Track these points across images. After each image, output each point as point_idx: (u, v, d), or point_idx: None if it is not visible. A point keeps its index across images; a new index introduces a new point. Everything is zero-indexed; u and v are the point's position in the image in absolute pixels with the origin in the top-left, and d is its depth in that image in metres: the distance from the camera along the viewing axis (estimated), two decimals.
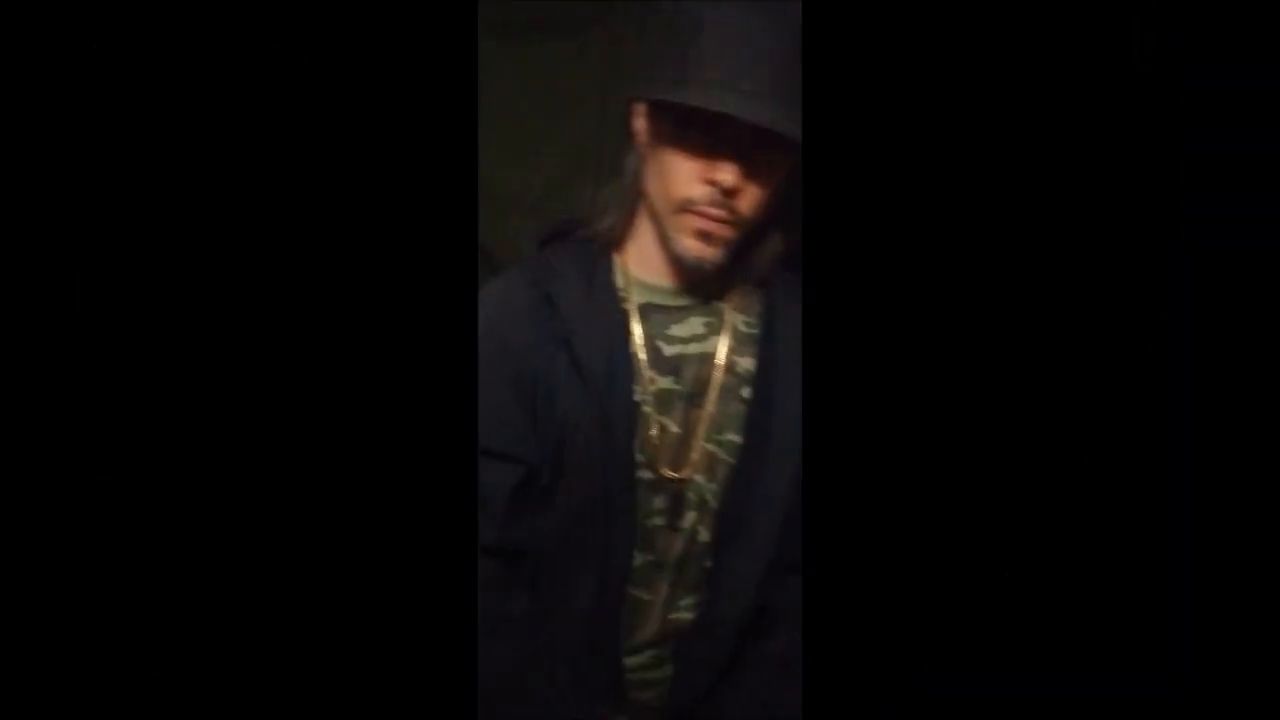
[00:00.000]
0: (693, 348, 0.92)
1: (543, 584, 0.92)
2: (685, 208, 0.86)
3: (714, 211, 0.85)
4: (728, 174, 0.83)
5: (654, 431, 0.89)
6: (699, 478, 0.90)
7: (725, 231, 0.86)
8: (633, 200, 0.92)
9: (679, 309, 0.93)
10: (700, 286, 0.93)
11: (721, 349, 0.92)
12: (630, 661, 0.93)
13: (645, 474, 0.90)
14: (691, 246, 0.87)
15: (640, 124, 0.89)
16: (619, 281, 0.93)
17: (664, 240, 0.90)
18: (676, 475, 0.89)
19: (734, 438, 0.91)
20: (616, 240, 0.94)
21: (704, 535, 0.91)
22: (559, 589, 0.91)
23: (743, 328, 0.94)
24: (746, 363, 0.93)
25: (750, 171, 0.84)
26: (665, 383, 0.91)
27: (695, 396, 0.91)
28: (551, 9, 1.34)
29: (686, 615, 0.92)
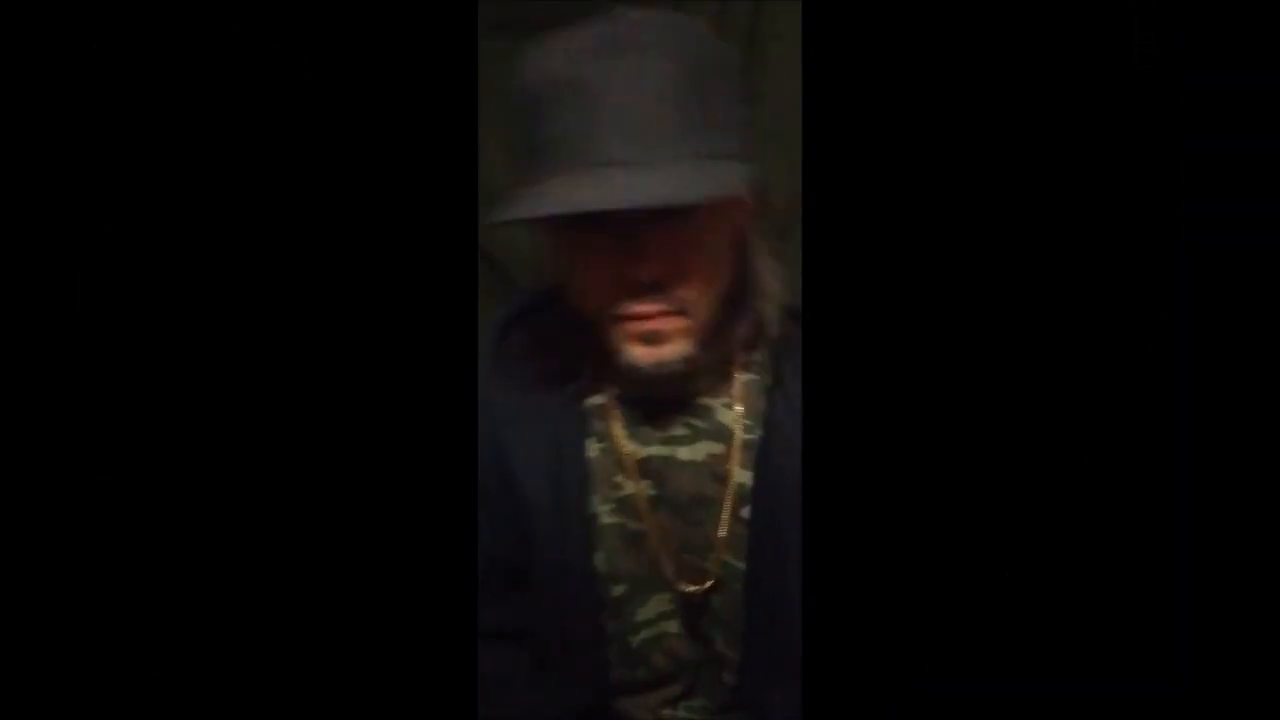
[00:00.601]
0: (680, 452, 0.78)
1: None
2: (615, 317, 0.72)
3: (647, 310, 0.71)
4: (642, 269, 0.69)
5: (617, 543, 0.77)
6: (711, 594, 0.78)
7: (674, 325, 0.71)
8: (573, 319, 0.76)
9: (659, 403, 0.78)
10: (683, 381, 0.77)
11: (707, 454, 0.78)
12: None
13: (621, 590, 0.78)
14: (642, 355, 0.72)
15: (541, 231, 0.75)
16: (591, 368, 0.79)
17: (612, 350, 0.74)
18: (690, 589, 0.77)
19: (733, 561, 0.78)
20: (586, 328, 0.77)
21: (728, 651, 0.80)
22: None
23: (740, 431, 0.78)
24: (743, 476, 0.78)
25: (671, 251, 0.70)
26: (641, 488, 0.77)
27: (681, 510, 0.78)
28: (551, 9, 1.34)
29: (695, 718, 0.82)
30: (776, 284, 0.78)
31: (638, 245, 0.69)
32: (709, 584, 0.78)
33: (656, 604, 0.80)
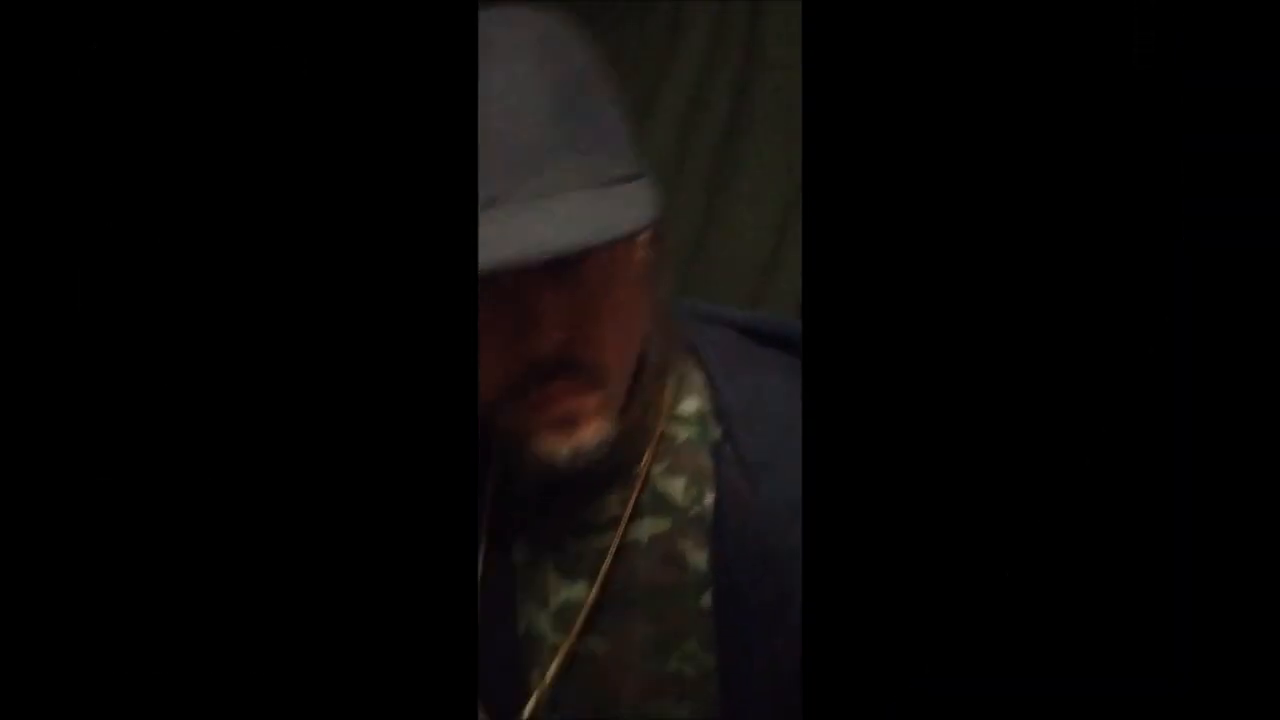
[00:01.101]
0: (609, 538, 0.65)
1: None
2: (520, 405, 0.61)
3: (557, 390, 0.61)
4: (543, 341, 0.58)
5: (550, 672, 0.63)
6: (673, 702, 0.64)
7: (590, 402, 0.61)
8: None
9: (586, 484, 0.65)
10: (609, 452, 0.64)
11: (649, 535, 0.65)
12: None
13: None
14: (555, 446, 0.61)
15: None
16: (503, 466, 0.67)
17: (521, 444, 0.63)
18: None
19: (698, 651, 0.64)
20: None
21: None
22: None
23: (681, 499, 0.66)
24: (697, 556, 0.65)
25: (574, 312, 0.59)
26: (574, 591, 0.64)
27: (631, 606, 0.65)
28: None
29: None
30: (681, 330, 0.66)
31: (529, 311, 0.59)
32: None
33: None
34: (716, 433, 0.67)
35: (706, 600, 0.64)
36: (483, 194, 0.56)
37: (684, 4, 1.30)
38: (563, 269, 0.57)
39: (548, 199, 0.55)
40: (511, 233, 0.55)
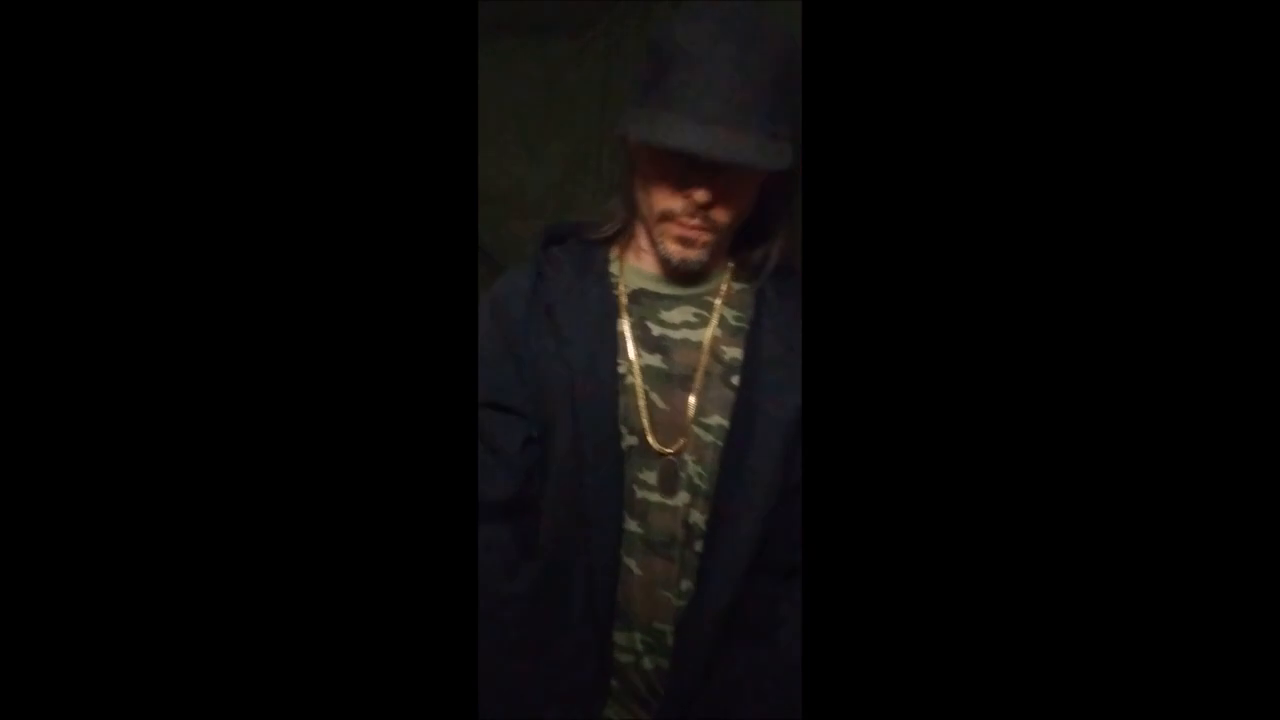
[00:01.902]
0: (681, 333, 0.99)
1: (540, 553, 0.96)
2: (666, 218, 0.95)
3: (691, 222, 0.94)
4: (700, 193, 0.91)
5: (641, 403, 0.95)
6: (689, 457, 0.95)
7: (704, 237, 0.95)
8: (629, 209, 1.00)
9: (670, 297, 1.00)
10: (691, 281, 1.01)
11: (708, 336, 0.98)
12: (620, 639, 0.96)
13: (632, 441, 0.96)
14: (674, 251, 0.96)
15: (627, 144, 0.96)
16: (614, 270, 1.01)
17: (653, 242, 0.98)
18: (667, 450, 0.95)
19: (720, 421, 0.96)
20: (615, 240, 1.02)
21: (695, 518, 0.95)
22: (555, 557, 0.95)
23: (732, 320, 1.00)
24: (734, 352, 0.98)
25: (724, 188, 0.92)
26: (653, 360, 0.97)
27: (684, 379, 0.97)
28: (551, 9, 1.34)
29: (678, 602, 0.95)
30: (785, 239, 1.01)
31: (704, 176, 0.91)
32: (680, 445, 0.96)
33: (641, 467, 0.97)
34: (759, 290, 1.02)
35: (735, 379, 0.97)
36: (715, 114, 0.87)
37: (684, 4, 1.29)
38: (729, 169, 0.90)
39: (750, 132, 0.88)
40: (728, 143, 0.87)
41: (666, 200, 0.93)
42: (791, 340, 0.97)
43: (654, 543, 0.95)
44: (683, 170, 0.91)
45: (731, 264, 1.01)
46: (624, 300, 0.99)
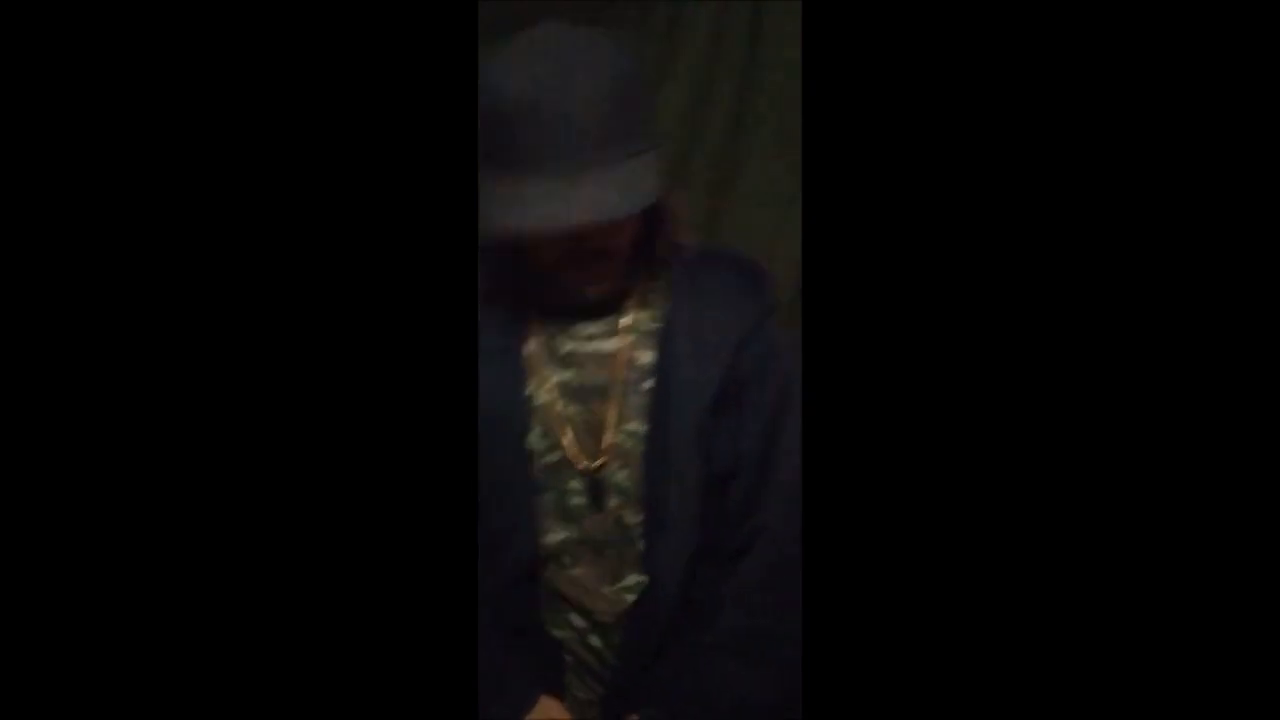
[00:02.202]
0: (592, 346, 0.97)
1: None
2: (558, 266, 0.90)
3: (586, 265, 0.90)
4: (580, 254, 0.87)
5: (557, 419, 0.95)
6: (614, 464, 0.96)
7: (605, 269, 0.91)
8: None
9: (580, 310, 0.97)
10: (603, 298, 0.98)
11: (618, 344, 0.97)
12: (560, 621, 0.98)
13: (553, 458, 0.96)
14: (581, 290, 0.93)
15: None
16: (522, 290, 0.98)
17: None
18: (590, 465, 0.96)
19: (638, 426, 0.96)
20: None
21: (630, 518, 0.96)
22: (491, 569, 0.96)
23: (645, 324, 0.98)
24: (647, 357, 0.97)
25: (602, 232, 0.87)
26: (565, 375, 0.97)
27: (600, 390, 0.97)
28: (551, 9, 1.34)
29: (628, 596, 0.97)
30: (681, 235, 0.99)
31: (573, 236, 0.86)
32: (601, 461, 0.96)
33: (568, 479, 0.97)
34: (670, 289, 0.99)
35: (648, 385, 0.96)
36: (557, 168, 0.83)
37: (684, 4, 1.29)
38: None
39: (603, 165, 0.84)
40: (578, 200, 0.83)
41: (550, 253, 0.89)
42: (704, 332, 0.96)
43: (587, 541, 0.96)
44: (550, 239, 0.86)
45: (637, 276, 0.98)
46: (532, 319, 0.97)
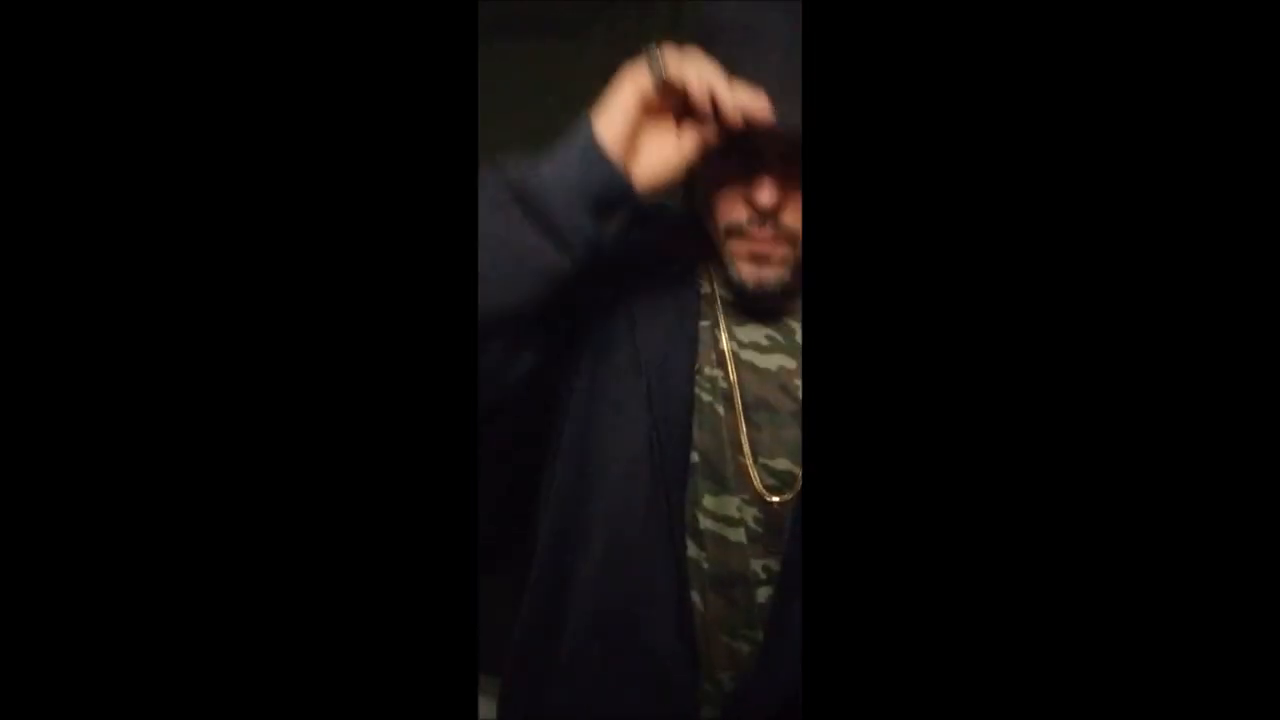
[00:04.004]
0: (747, 354, 0.87)
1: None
2: (732, 234, 0.83)
3: (763, 234, 0.81)
4: (765, 194, 0.79)
5: (701, 415, 0.84)
6: (788, 503, 0.84)
7: (781, 251, 0.82)
8: (696, 228, 0.87)
9: (748, 311, 0.88)
10: (775, 300, 0.87)
11: (774, 364, 0.87)
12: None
13: (695, 457, 0.86)
14: (748, 273, 0.83)
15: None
16: (700, 271, 0.90)
17: (724, 265, 0.85)
18: (774, 498, 0.83)
19: (790, 467, 0.85)
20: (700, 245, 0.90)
21: (755, 558, 0.85)
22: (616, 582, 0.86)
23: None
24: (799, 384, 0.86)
25: (791, 184, 0.80)
26: (716, 375, 0.87)
27: (746, 406, 0.86)
28: (551, 9, 1.35)
29: (740, 647, 0.86)
30: None
31: (762, 172, 0.80)
32: (791, 495, 0.84)
33: (725, 504, 0.85)
34: None
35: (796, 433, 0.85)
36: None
37: (684, 4, 1.29)
38: (790, 157, 0.78)
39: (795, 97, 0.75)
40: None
41: (728, 211, 0.81)
42: None
43: (717, 579, 0.85)
44: (741, 170, 0.80)
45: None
46: (705, 301, 0.87)
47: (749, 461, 0.85)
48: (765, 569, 0.85)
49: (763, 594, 0.85)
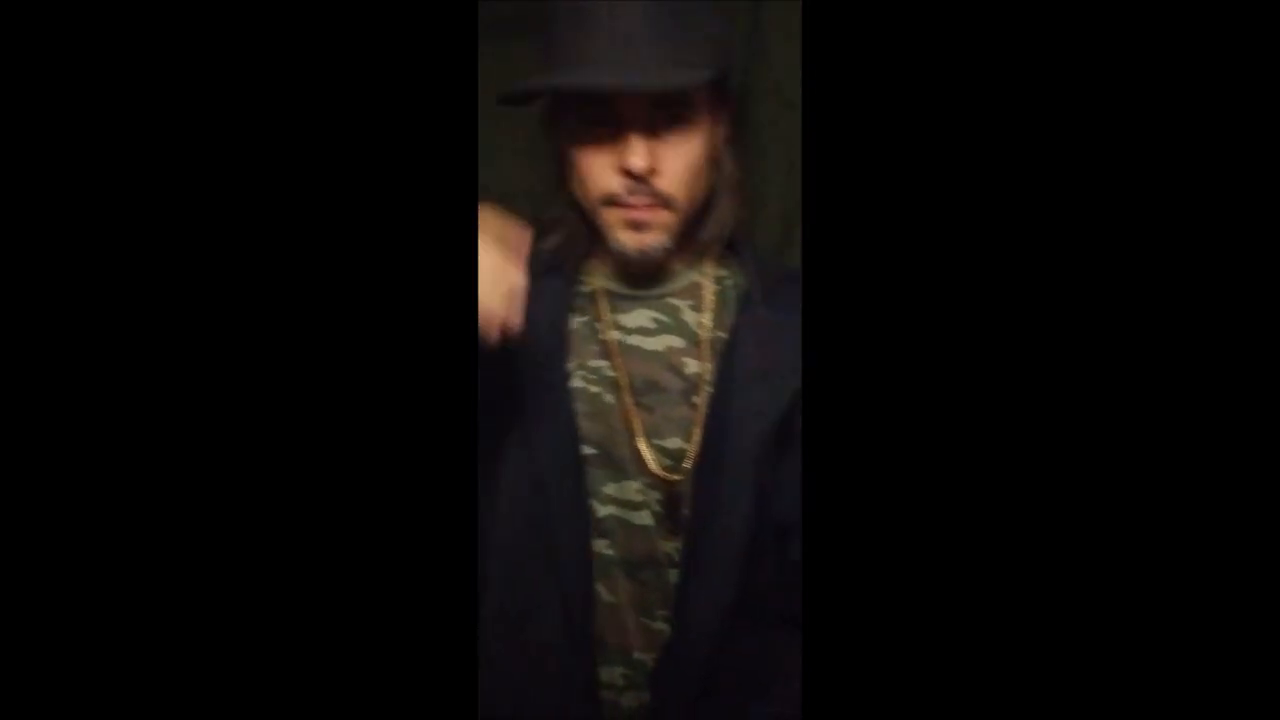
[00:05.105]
0: (634, 339, 0.89)
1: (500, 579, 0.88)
2: (608, 203, 0.84)
3: (636, 200, 0.83)
4: (636, 156, 0.81)
5: (588, 409, 0.87)
6: (683, 484, 0.86)
7: (658, 217, 0.84)
8: (573, 207, 0.89)
9: (630, 298, 0.90)
10: (656, 279, 0.90)
11: (662, 345, 0.89)
12: (602, 675, 0.88)
13: (588, 450, 0.87)
14: (626, 240, 0.85)
15: (552, 131, 0.88)
16: (582, 269, 0.92)
17: (605, 238, 0.87)
18: (672, 476, 0.85)
19: (679, 444, 0.87)
20: (580, 249, 0.91)
21: (662, 541, 0.87)
22: (521, 585, 0.88)
23: (698, 330, 0.90)
24: (694, 366, 0.88)
25: (662, 148, 0.83)
26: (601, 366, 0.88)
27: (634, 391, 0.88)
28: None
29: (659, 627, 0.87)
30: (738, 185, 0.90)
31: (636, 134, 0.82)
32: (687, 473, 0.86)
33: (625, 489, 0.87)
34: (742, 292, 0.90)
35: (694, 398, 0.87)
36: (613, 57, 0.79)
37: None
38: (655, 116, 0.81)
39: (650, 66, 0.80)
40: (629, 73, 0.79)
41: (601, 179, 0.83)
42: (773, 358, 0.86)
43: (619, 561, 0.87)
44: (610, 136, 0.82)
45: (708, 266, 0.90)
46: (583, 299, 0.90)
47: (644, 444, 0.86)
48: (674, 549, 0.87)
49: (673, 574, 0.87)
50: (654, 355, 0.89)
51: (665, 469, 0.87)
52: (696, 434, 0.87)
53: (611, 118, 0.82)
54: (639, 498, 0.88)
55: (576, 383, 0.88)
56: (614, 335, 0.89)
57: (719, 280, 0.92)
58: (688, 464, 0.87)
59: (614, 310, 0.90)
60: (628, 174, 0.82)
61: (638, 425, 0.87)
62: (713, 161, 0.87)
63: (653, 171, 0.82)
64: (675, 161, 0.84)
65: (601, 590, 0.88)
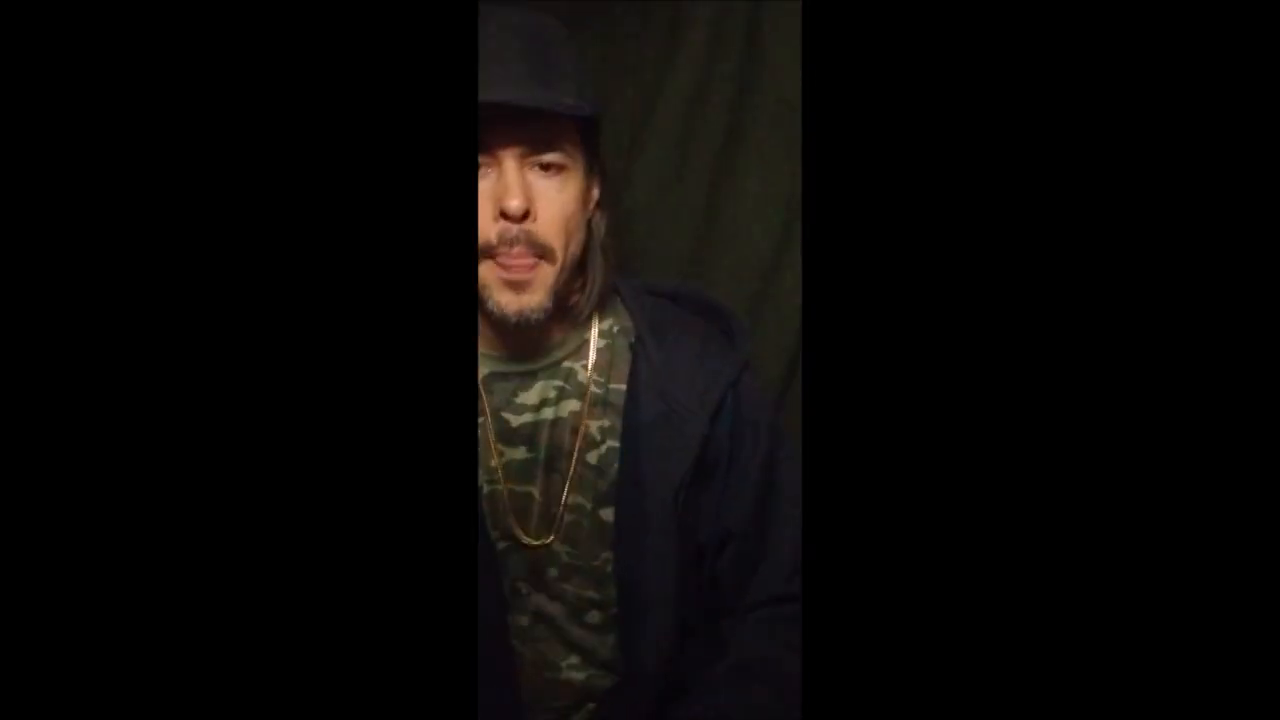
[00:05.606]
0: (545, 413, 0.91)
1: None
2: (485, 256, 0.83)
3: (513, 252, 0.82)
4: (513, 197, 0.80)
5: (504, 501, 0.88)
6: (560, 546, 0.90)
7: (536, 274, 0.83)
8: None
9: (523, 375, 0.91)
10: (540, 346, 0.90)
11: (569, 410, 0.90)
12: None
13: (503, 545, 0.90)
14: (505, 302, 0.84)
15: None
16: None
17: (482, 303, 0.85)
18: (534, 542, 0.89)
19: (583, 501, 0.90)
20: None
21: (571, 595, 0.91)
22: None
23: (594, 388, 0.91)
24: (598, 425, 0.91)
25: (535, 193, 0.82)
26: (518, 454, 0.90)
27: (553, 462, 0.90)
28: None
29: (600, 680, 0.92)
30: (610, 248, 0.91)
31: (506, 180, 0.81)
32: (550, 539, 0.90)
33: (517, 563, 0.91)
34: (631, 339, 0.92)
35: (593, 457, 0.89)
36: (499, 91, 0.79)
37: (684, 4, 1.29)
38: (533, 162, 0.82)
39: (531, 83, 0.80)
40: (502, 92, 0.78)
41: (480, 230, 0.81)
42: (675, 393, 0.89)
43: (538, 624, 0.91)
44: (488, 184, 0.81)
45: (594, 322, 0.91)
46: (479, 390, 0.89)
47: (564, 506, 0.89)
48: (556, 608, 0.92)
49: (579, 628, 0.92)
50: (564, 423, 0.91)
51: (536, 536, 0.90)
52: (605, 490, 0.90)
53: (489, 161, 0.81)
54: (523, 569, 0.92)
55: (487, 488, 0.90)
56: (518, 420, 0.90)
57: (604, 334, 0.93)
58: (586, 522, 0.90)
59: (512, 392, 0.90)
60: (505, 216, 0.81)
61: (559, 494, 0.90)
62: (586, 221, 0.88)
63: (528, 214, 0.82)
64: (550, 207, 0.83)
65: (525, 651, 0.92)
